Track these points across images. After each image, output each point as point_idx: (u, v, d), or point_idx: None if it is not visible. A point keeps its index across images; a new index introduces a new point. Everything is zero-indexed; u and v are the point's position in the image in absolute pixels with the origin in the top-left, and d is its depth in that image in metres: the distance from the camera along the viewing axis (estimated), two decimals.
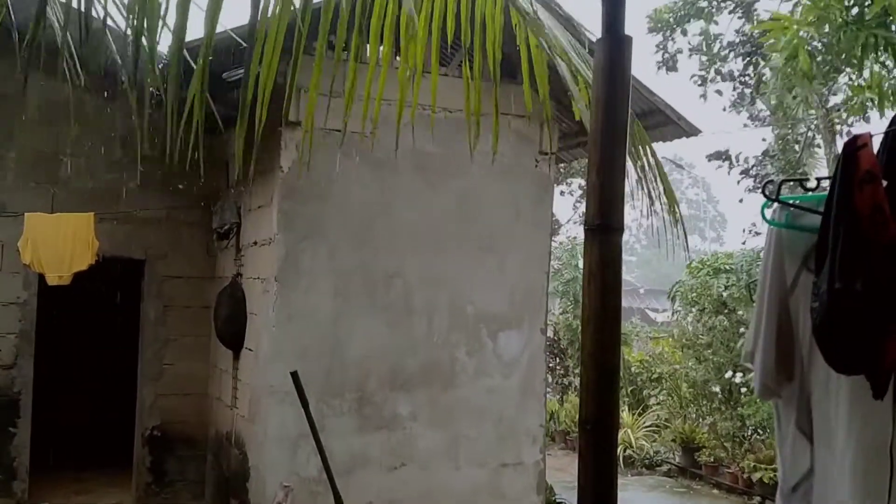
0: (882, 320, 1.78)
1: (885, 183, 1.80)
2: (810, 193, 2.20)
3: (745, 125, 15.15)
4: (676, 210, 3.18)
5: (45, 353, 9.20)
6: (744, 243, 13.01)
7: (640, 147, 3.01)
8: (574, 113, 6.97)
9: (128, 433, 7.81)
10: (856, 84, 5.53)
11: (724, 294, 10.91)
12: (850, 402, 2.06)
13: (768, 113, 13.36)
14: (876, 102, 5.18)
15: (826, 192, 1.93)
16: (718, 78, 13.73)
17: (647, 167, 3.02)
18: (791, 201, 2.14)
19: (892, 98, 5.14)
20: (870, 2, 4.29)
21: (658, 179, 3.07)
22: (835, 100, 11.51)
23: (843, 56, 4.92)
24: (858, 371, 1.88)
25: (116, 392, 8.71)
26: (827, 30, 4.64)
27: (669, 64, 13.75)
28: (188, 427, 7.66)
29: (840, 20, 4.45)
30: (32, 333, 7.17)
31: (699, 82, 13.61)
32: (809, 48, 4.65)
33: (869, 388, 1.89)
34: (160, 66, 2.34)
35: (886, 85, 5.15)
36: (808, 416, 2.18)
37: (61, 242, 6.48)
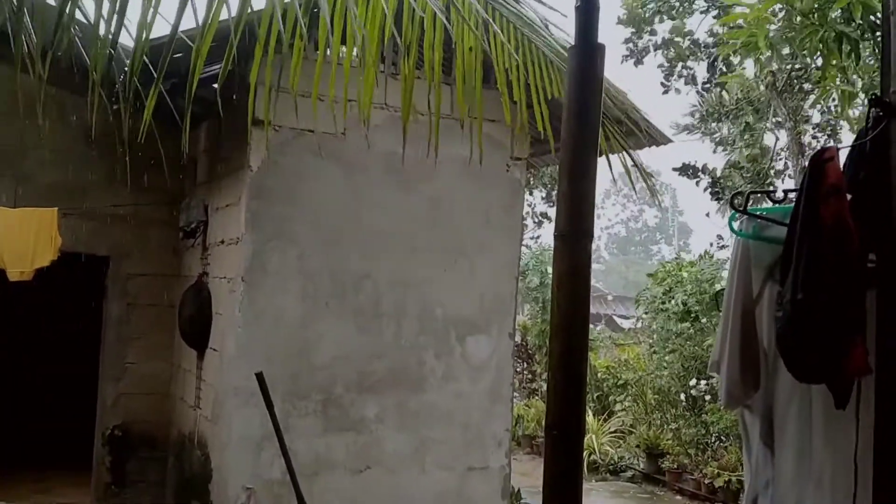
0: (843, 331, 1.80)
1: (849, 196, 1.83)
2: (777, 205, 2.22)
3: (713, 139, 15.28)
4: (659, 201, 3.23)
5: (5, 352, 8.98)
6: (711, 256, 13.14)
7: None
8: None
9: (91, 433, 7.67)
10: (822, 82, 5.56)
11: (688, 302, 11.02)
12: (815, 412, 2.08)
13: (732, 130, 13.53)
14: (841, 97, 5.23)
15: (792, 205, 1.95)
16: (682, 80, 13.94)
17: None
18: (758, 213, 2.16)
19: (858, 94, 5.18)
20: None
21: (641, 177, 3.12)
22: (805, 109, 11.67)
23: (805, 50, 4.92)
24: (819, 380, 1.90)
25: (79, 391, 8.56)
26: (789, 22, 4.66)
27: (637, 58, 13.96)
28: (150, 427, 7.53)
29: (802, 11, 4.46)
30: None
31: (665, 72, 13.79)
32: (771, 34, 4.65)
33: (832, 398, 1.91)
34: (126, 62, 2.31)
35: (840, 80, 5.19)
36: (770, 426, 2.20)
37: (24, 237, 6.33)
